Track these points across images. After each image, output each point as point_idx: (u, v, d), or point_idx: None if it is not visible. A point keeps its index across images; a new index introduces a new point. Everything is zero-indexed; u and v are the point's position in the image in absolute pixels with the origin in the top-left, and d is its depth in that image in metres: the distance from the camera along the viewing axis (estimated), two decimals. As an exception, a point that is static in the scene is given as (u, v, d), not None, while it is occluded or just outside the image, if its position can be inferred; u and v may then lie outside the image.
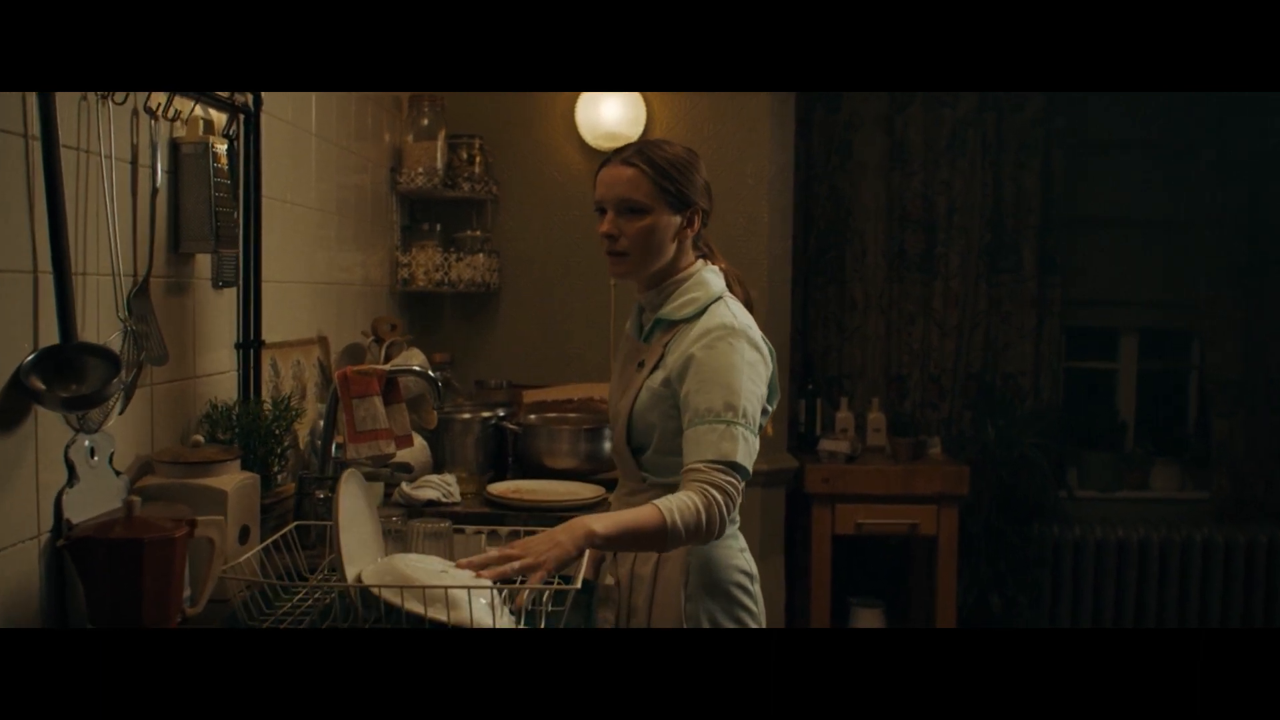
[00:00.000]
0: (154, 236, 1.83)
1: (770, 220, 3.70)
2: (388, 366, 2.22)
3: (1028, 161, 4.31)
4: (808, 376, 4.27)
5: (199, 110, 1.97)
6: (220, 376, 2.16)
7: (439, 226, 3.56)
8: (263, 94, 2.25)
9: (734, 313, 1.85)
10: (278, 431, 2.10)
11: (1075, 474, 4.53)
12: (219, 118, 2.09)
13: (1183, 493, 4.54)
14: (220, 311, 2.17)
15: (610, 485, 2.50)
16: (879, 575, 4.29)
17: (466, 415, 2.88)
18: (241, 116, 2.17)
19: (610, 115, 3.60)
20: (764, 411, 1.86)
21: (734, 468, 1.72)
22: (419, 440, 2.74)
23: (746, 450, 1.74)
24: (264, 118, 2.30)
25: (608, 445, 2.82)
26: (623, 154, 1.87)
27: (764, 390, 1.84)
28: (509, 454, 2.95)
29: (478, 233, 3.63)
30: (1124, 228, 4.47)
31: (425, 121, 3.47)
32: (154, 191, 1.83)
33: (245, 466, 2.02)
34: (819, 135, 4.33)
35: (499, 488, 2.67)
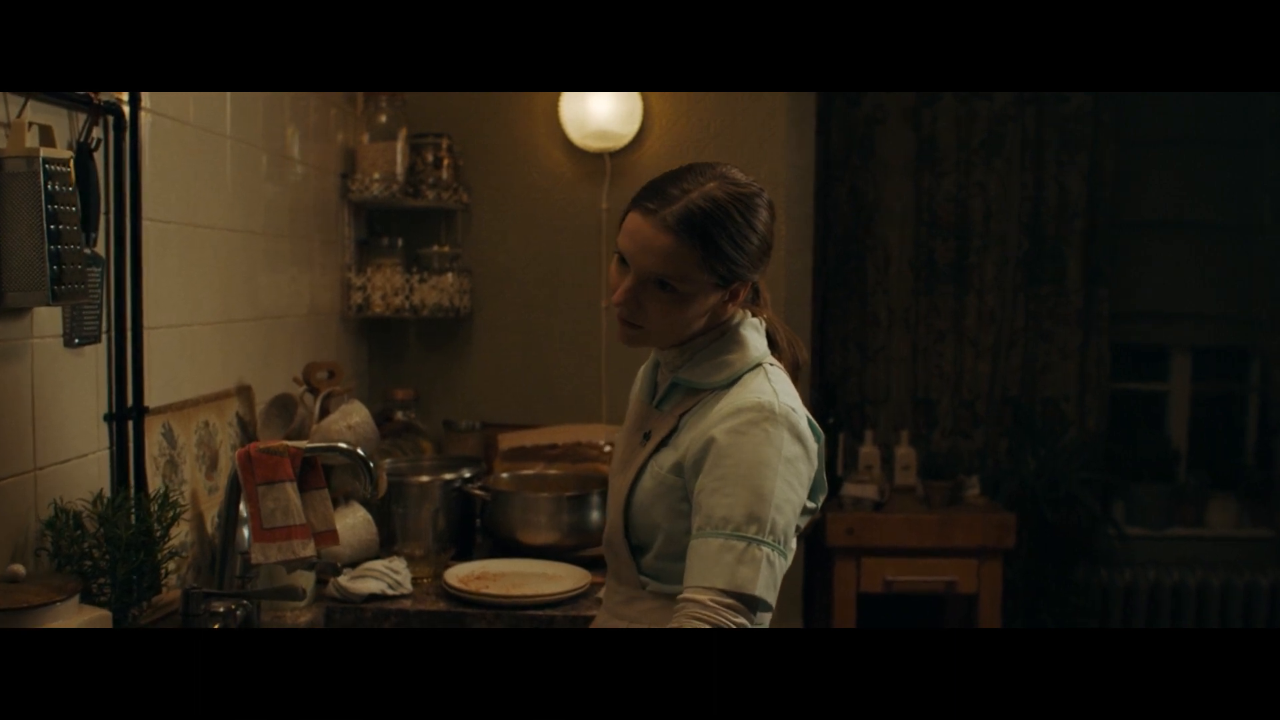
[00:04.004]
0: (-50, 290, 1.32)
1: (788, 231, 3.19)
2: (303, 444, 1.70)
3: (1072, 160, 3.94)
4: (828, 407, 3.78)
5: (29, 111, 1.46)
6: (80, 461, 1.65)
7: (400, 242, 3.07)
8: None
9: (775, 388, 1.41)
10: (156, 534, 1.59)
11: (1122, 508, 4.09)
12: (73, 119, 1.58)
13: (1241, 530, 4.18)
14: (79, 376, 1.65)
15: (595, 564, 2.08)
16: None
17: (424, 478, 2.38)
18: (109, 119, 1.66)
19: (600, 111, 3.10)
20: (805, 511, 1.44)
21: (750, 603, 1.31)
22: (360, 514, 2.24)
23: (770, 578, 1.33)
24: (147, 119, 1.79)
25: (594, 515, 2.32)
26: (665, 208, 1.36)
27: (803, 494, 1.41)
28: (476, 522, 2.45)
29: (445, 248, 3.13)
30: (1178, 234, 4.10)
31: (383, 119, 2.99)
32: (-52, 227, 1.32)
33: (111, 589, 1.52)
34: (838, 131, 3.94)
35: (460, 573, 2.16)
